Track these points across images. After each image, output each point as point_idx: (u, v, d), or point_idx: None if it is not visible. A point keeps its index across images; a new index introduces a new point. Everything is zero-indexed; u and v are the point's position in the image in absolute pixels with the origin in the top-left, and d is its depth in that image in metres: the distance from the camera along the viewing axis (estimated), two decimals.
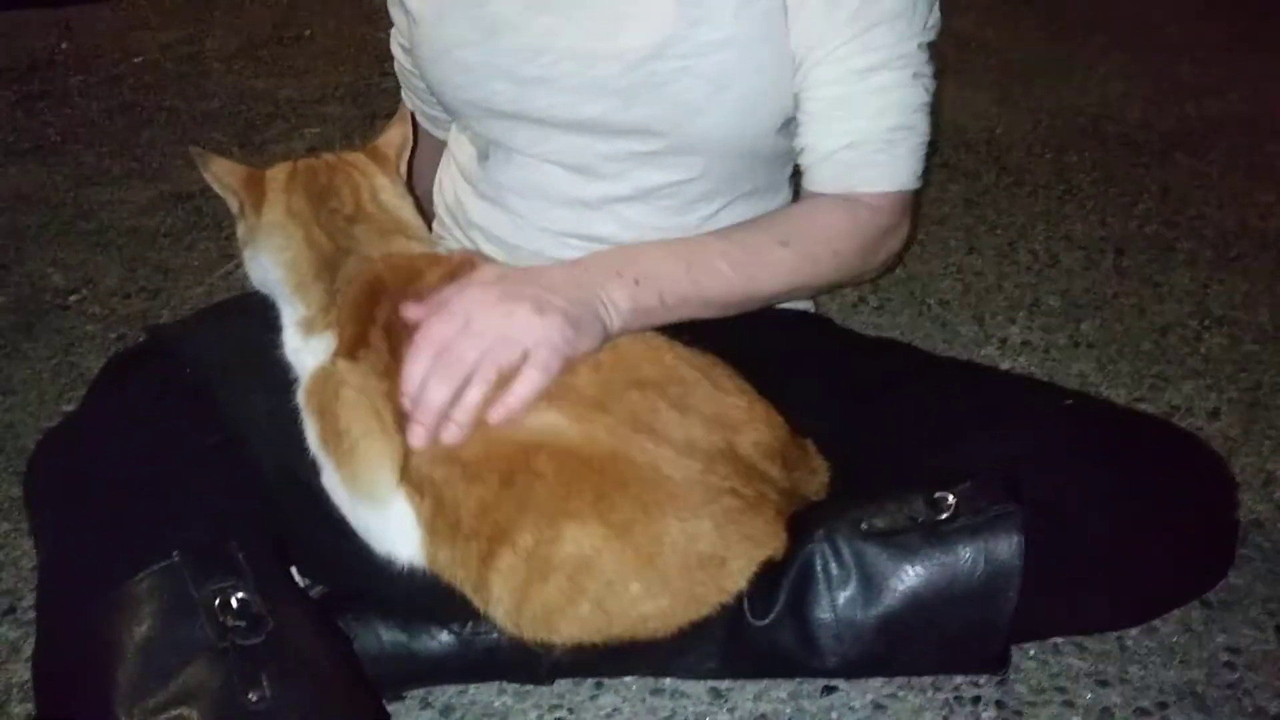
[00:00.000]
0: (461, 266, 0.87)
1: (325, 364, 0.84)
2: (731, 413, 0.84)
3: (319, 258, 0.86)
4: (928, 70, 0.95)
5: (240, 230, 0.89)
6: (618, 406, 0.81)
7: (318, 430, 0.83)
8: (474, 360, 0.80)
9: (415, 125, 1.17)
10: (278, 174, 0.88)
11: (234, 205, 0.88)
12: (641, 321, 0.88)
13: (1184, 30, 2.63)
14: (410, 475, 0.81)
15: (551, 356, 0.81)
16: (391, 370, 0.82)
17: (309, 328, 0.85)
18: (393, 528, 0.82)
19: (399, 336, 0.82)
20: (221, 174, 0.87)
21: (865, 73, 0.91)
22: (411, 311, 0.83)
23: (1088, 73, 2.40)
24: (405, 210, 0.91)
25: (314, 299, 0.85)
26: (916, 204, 1.02)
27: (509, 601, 0.81)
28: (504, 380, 0.80)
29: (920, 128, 0.95)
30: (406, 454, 0.81)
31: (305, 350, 0.85)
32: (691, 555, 0.81)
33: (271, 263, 0.86)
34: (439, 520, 0.81)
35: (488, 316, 0.81)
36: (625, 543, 0.79)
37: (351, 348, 0.82)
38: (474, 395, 0.80)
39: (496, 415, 0.80)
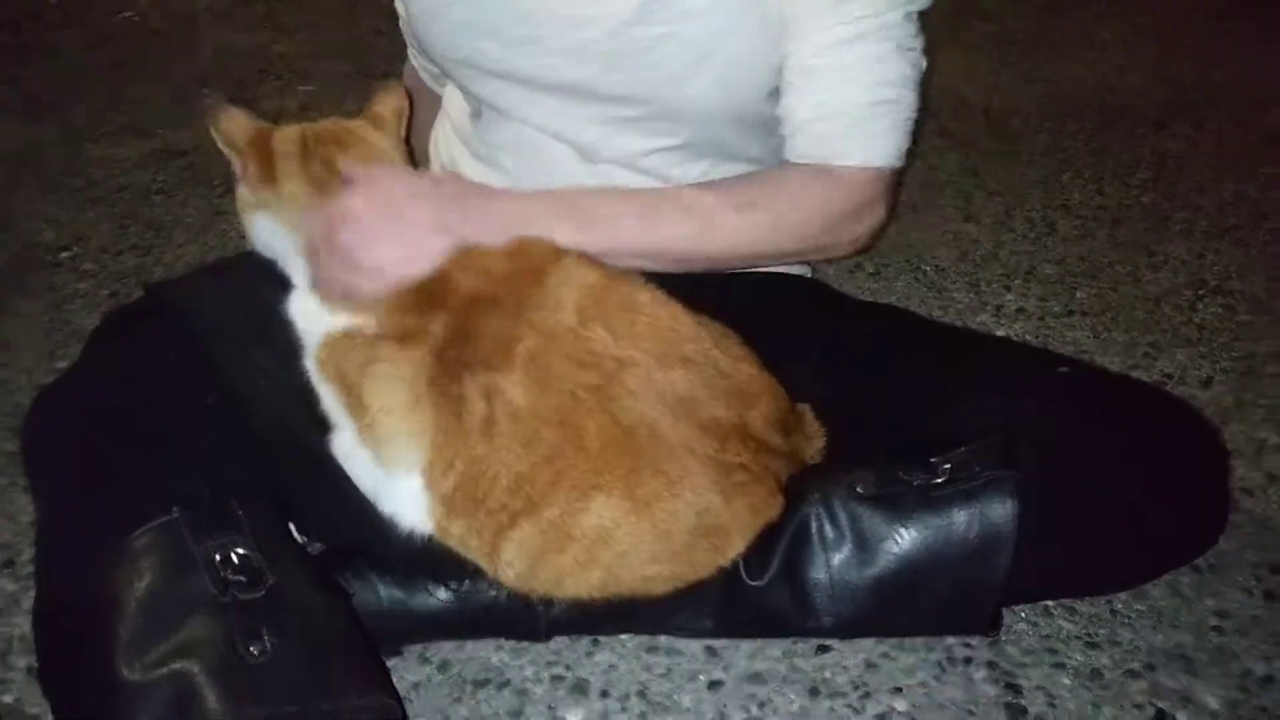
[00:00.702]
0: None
1: (343, 330, 0.83)
2: (746, 388, 0.85)
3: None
4: (915, 43, 0.92)
5: (242, 195, 0.87)
6: (665, 381, 0.81)
7: (338, 396, 0.83)
8: (352, 246, 0.83)
9: (413, 84, 1.16)
10: (288, 140, 0.86)
11: (239, 166, 0.86)
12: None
13: (1182, 2, 2.62)
14: (438, 453, 0.81)
15: (404, 272, 0.83)
16: (441, 354, 0.82)
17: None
18: (402, 497, 0.83)
19: (458, 324, 0.82)
20: (231, 131, 0.85)
21: (848, 43, 0.90)
22: (348, 171, 0.86)
23: (1086, 42, 2.39)
24: None
25: None
26: (897, 185, 0.99)
27: (520, 567, 0.82)
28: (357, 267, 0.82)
29: (905, 102, 0.92)
30: (436, 430, 0.81)
31: (318, 314, 0.85)
32: (700, 527, 0.82)
33: (288, 229, 0.85)
34: (459, 494, 0.81)
35: (388, 212, 0.84)
36: (643, 516, 0.80)
37: (401, 333, 0.82)
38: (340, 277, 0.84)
39: (334, 292, 0.84)
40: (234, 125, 0.85)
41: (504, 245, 0.86)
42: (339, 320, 0.84)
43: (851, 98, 0.91)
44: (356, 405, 0.82)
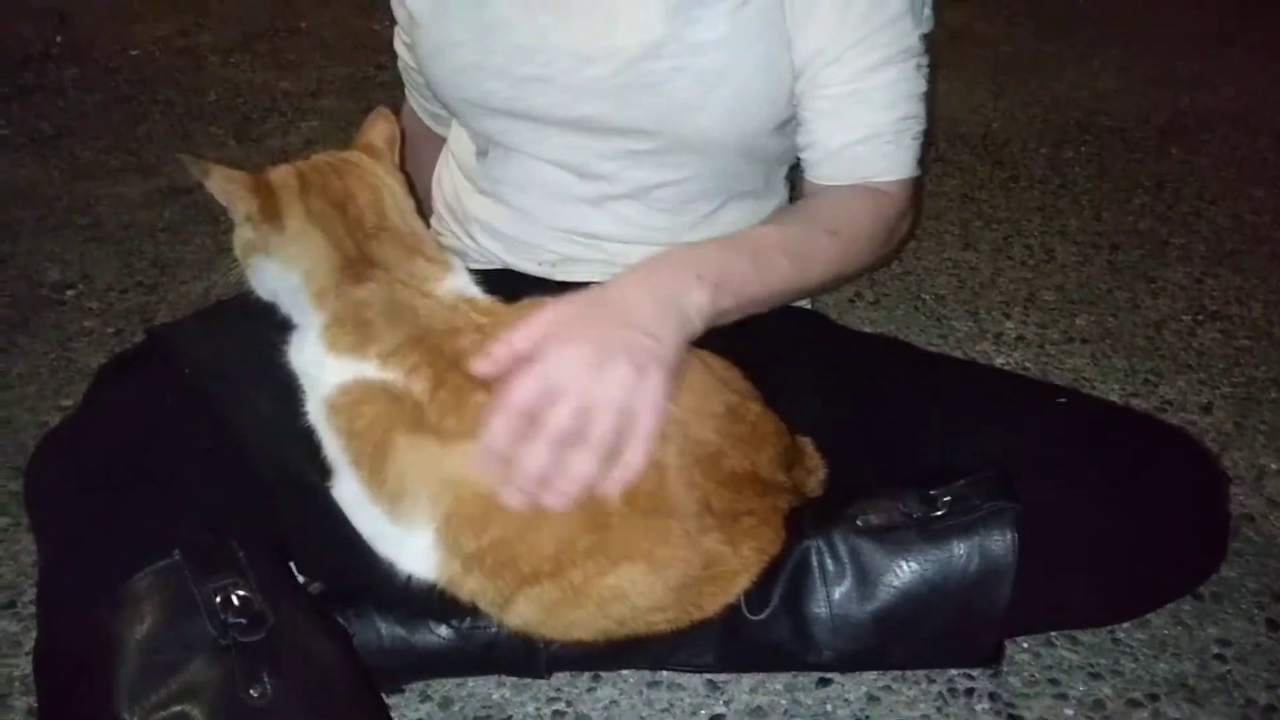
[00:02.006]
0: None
1: (358, 381, 0.81)
2: (755, 430, 0.85)
3: (343, 265, 0.83)
4: (925, 59, 0.97)
5: (243, 239, 0.85)
6: (699, 439, 0.81)
7: (346, 445, 0.81)
8: (567, 424, 0.76)
9: (412, 121, 1.17)
10: (286, 178, 0.85)
11: (240, 213, 0.84)
12: (714, 324, 0.86)
13: (1177, 24, 2.64)
14: (464, 514, 0.80)
15: (652, 419, 0.77)
16: (463, 420, 0.79)
17: (334, 342, 0.82)
18: (409, 549, 0.82)
19: (473, 389, 0.79)
20: (224, 183, 0.83)
21: (874, 69, 0.92)
22: (481, 367, 0.78)
23: (1082, 67, 2.40)
24: (415, 220, 0.89)
25: (337, 308, 0.82)
26: (920, 188, 1.03)
27: (531, 619, 0.82)
28: (609, 445, 0.77)
29: (921, 116, 0.97)
30: (466, 493, 0.79)
31: (326, 363, 0.82)
32: (708, 576, 0.83)
33: (289, 270, 0.83)
34: (490, 557, 0.80)
35: (578, 375, 0.76)
36: (659, 576, 0.81)
37: (429, 390, 0.80)
38: (584, 466, 0.76)
39: (610, 489, 0.78)
40: (229, 174, 0.83)
41: (517, 308, 0.84)
42: (364, 371, 0.81)
43: (883, 120, 0.94)
44: (376, 466, 0.80)
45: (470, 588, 0.83)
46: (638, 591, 0.81)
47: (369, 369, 0.81)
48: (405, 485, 0.80)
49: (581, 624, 0.83)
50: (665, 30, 0.90)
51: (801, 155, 0.98)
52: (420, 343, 0.81)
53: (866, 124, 0.94)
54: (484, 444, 0.77)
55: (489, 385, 0.79)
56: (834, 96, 0.93)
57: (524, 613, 0.83)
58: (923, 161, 0.99)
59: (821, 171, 0.97)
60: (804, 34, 0.91)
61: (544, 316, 0.80)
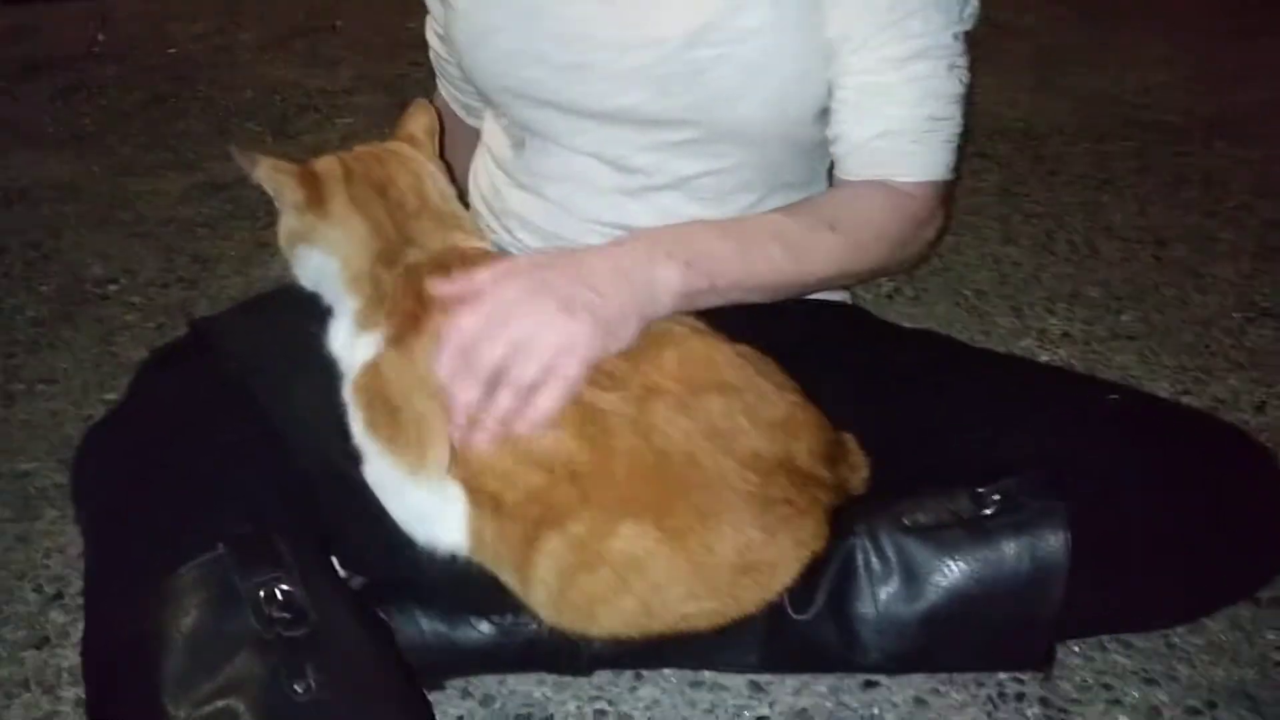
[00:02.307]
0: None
1: (377, 357, 0.83)
2: (790, 418, 0.84)
3: (381, 248, 0.84)
4: (963, 61, 0.93)
5: (288, 228, 0.86)
6: (700, 409, 0.80)
7: (365, 418, 0.82)
8: (496, 361, 0.79)
9: (444, 113, 1.17)
10: (331, 167, 0.86)
11: (286, 201, 0.85)
12: (689, 305, 0.86)
13: (1225, 15, 2.59)
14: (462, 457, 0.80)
15: (575, 364, 0.79)
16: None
17: (361, 322, 0.84)
18: (436, 508, 0.82)
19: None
20: (272, 172, 0.84)
21: (901, 62, 0.90)
22: (439, 287, 0.82)
23: (1126, 59, 2.36)
24: (455, 202, 0.90)
25: (368, 290, 0.84)
26: (950, 197, 1.01)
27: (553, 585, 0.81)
28: (530, 385, 0.79)
29: (955, 119, 0.94)
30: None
31: (355, 345, 0.84)
32: (742, 563, 0.81)
33: (329, 255, 0.84)
34: (481, 496, 0.81)
35: (515, 314, 0.80)
36: (677, 549, 0.79)
37: (405, 332, 0.82)
38: (503, 402, 0.79)
39: (521, 427, 0.79)
40: (276, 163, 0.84)
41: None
42: (376, 344, 0.83)
43: (908, 116, 0.92)
44: (392, 425, 0.81)
45: (488, 539, 0.81)
46: (657, 565, 0.79)
47: (381, 338, 0.83)
48: (420, 428, 0.80)
49: (605, 600, 0.80)
50: (710, 17, 0.89)
51: (830, 148, 0.96)
52: (418, 292, 0.82)
53: (889, 118, 0.91)
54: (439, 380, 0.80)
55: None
56: (857, 86, 0.91)
57: (544, 579, 0.81)
58: (957, 167, 0.96)
59: (845, 166, 0.95)
60: (833, 17, 0.90)
61: (506, 262, 0.84)
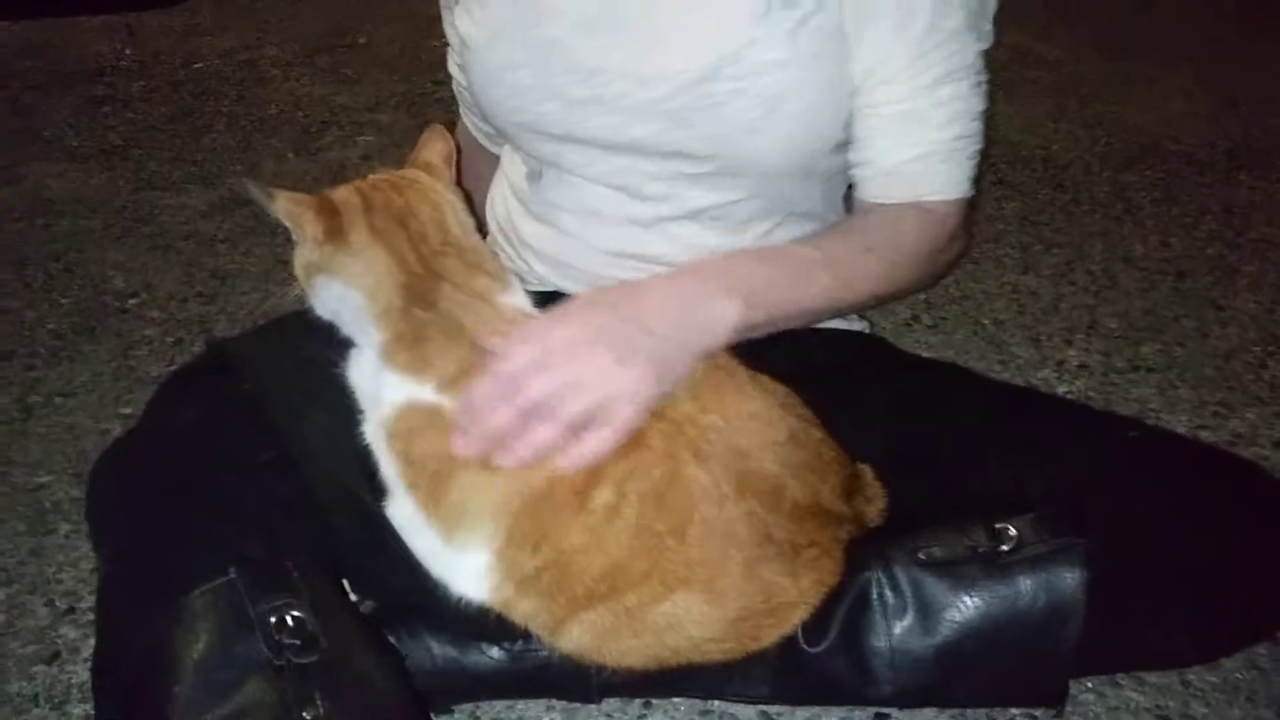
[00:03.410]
0: None
1: (416, 404, 0.81)
2: (818, 458, 0.84)
3: (408, 281, 0.83)
4: (984, 76, 0.95)
5: (304, 259, 0.84)
6: (757, 469, 0.80)
7: (403, 473, 0.81)
8: (542, 395, 0.77)
9: (467, 140, 1.17)
10: (349, 197, 0.85)
11: (305, 235, 0.84)
12: (743, 337, 0.86)
13: (1247, 46, 2.58)
14: (521, 536, 0.79)
15: (629, 413, 0.78)
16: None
17: (391, 357, 0.82)
18: (463, 571, 0.82)
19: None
20: (290, 206, 0.82)
21: (932, 87, 0.91)
22: (495, 344, 0.80)
23: (1147, 89, 2.36)
24: (475, 235, 0.89)
25: (398, 326, 0.82)
26: (973, 209, 1.02)
27: (586, 643, 0.81)
28: (574, 427, 0.78)
29: (979, 134, 0.95)
30: (519, 518, 0.79)
31: (382, 381, 0.82)
32: (767, 609, 0.81)
33: (352, 289, 0.83)
34: (546, 577, 0.79)
35: (566, 355, 0.78)
36: (716, 607, 0.79)
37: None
38: (545, 434, 0.78)
39: (564, 464, 0.78)
40: (293, 196, 0.83)
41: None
42: (424, 395, 0.81)
43: (939, 138, 0.93)
44: (435, 492, 0.80)
45: (524, 611, 0.82)
46: (694, 622, 0.79)
47: (426, 393, 0.81)
48: (464, 511, 0.80)
49: (635, 652, 0.82)
50: (727, 50, 0.89)
51: (854, 172, 0.97)
52: (477, 367, 0.80)
53: (922, 142, 0.92)
54: (463, 398, 0.79)
55: None
56: (890, 115, 0.92)
57: (577, 638, 0.82)
58: (978, 181, 0.97)
59: (873, 189, 0.95)
60: (860, 50, 0.90)
61: (566, 308, 0.82)
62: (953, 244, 0.98)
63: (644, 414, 0.79)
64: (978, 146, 0.95)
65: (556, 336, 0.80)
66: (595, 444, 0.78)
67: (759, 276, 0.87)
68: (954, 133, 0.93)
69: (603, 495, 0.78)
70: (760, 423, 0.82)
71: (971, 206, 0.99)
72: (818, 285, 0.89)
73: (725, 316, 0.84)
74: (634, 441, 0.78)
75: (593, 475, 0.78)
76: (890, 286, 0.96)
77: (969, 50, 0.92)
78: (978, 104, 0.94)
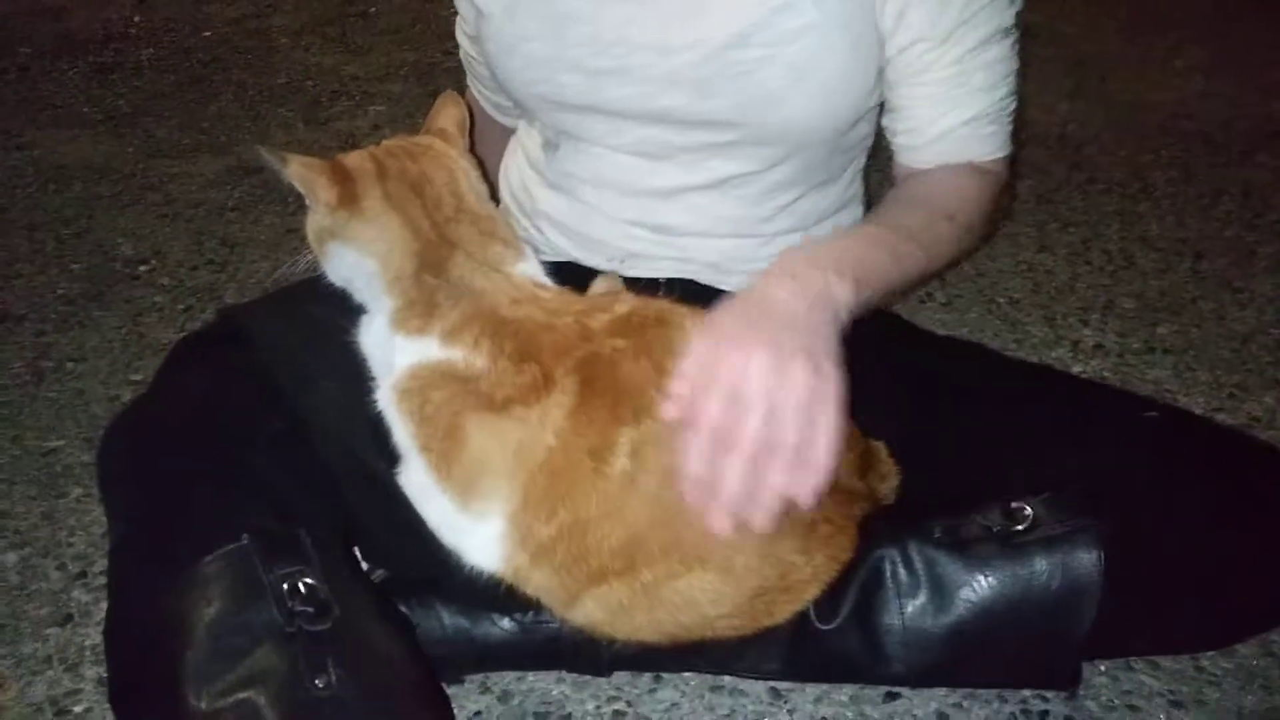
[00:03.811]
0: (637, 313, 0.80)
1: (436, 363, 0.79)
2: None
3: (421, 248, 0.82)
4: (1018, 34, 0.95)
5: (317, 224, 0.83)
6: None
7: (418, 432, 0.80)
8: (761, 435, 0.72)
9: (475, 110, 1.15)
10: (363, 163, 0.84)
11: (319, 200, 0.82)
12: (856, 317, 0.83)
13: (1266, 25, 2.54)
14: (536, 501, 0.78)
15: (840, 415, 0.73)
16: (579, 414, 0.77)
17: (403, 323, 0.81)
18: (477, 539, 0.81)
19: (596, 382, 0.77)
20: (303, 170, 0.81)
21: (976, 51, 0.91)
22: (669, 410, 0.75)
23: (1165, 68, 2.33)
24: (489, 202, 0.88)
25: (411, 292, 0.81)
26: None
27: (599, 618, 0.81)
28: (800, 448, 0.73)
29: (1017, 93, 0.96)
30: (535, 482, 0.77)
31: (393, 346, 0.82)
32: (781, 585, 0.81)
33: (366, 255, 0.82)
34: (561, 548, 0.78)
35: (763, 385, 0.72)
36: (731, 584, 0.79)
37: (531, 387, 0.78)
38: (777, 479, 0.72)
39: (807, 498, 0.73)
40: (307, 161, 0.82)
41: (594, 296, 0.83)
42: (430, 351, 0.80)
43: (986, 100, 0.93)
44: (447, 452, 0.79)
45: (537, 583, 0.81)
46: (709, 599, 0.79)
47: (433, 347, 0.80)
48: (480, 469, 0.79)
49: (648, 627, 0.81)
50: (755, 17, 0.88)
51: (896, 140, 0.97)
52: (482, 318, 0.80)
53: (972, 106, 0.93)
54: (686, 473, 0.74)
55: (542, 352, 0.78)
56: (939, 80, 0.92)
57: (590, 613, 0.81)
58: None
59: (923, 156, 0.95)
60: (905, 19, 0.89)
61: (706, 334, 0.76)
62: (1001, 199, 0.99)
63: (842, 409, 0.74)
64: (1015, 105, 0.97)
65: (738, 367, 0.73)
66: (821, 461, 0.73)
67: (863, 257, 0.84)
68: (1000, 94, 0.94)
69: (619, 462, 0.76)
70: None
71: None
72: (914, 258, 0.89)
73: (845, 299, 0.80)
74: (646, 407, 0.77)
75: (605, 439, 0.76)
76: (962, 249, 0.96)
77: (1007, 12, 0.92)
78: (1016, 63, 0.95)
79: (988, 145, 0.95)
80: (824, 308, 0.78)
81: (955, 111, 0.93)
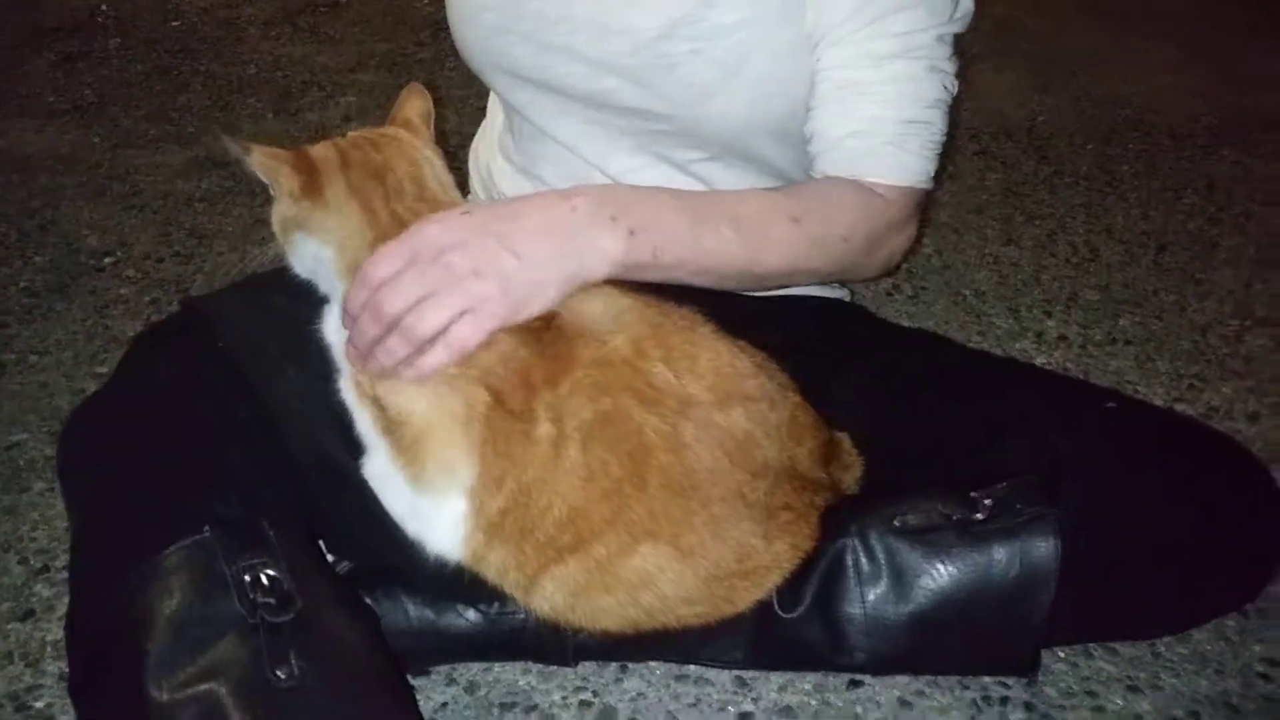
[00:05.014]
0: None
1: None
2: (793, 422, 0.83)
3: (378, 236, 0.82)
4: (948, 66, 0.92)
5: (282, 214, 0.83)
6: (726, 423, 0.79)
7: (375, 417, 0.81)
8: (398, 311, 0.77)
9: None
10: (326, 153, 0.84)
11: (282, 190, 0.82)
12: (626, 275, 0.83)
13: (1235, 21, 2.57)
14: (487, 473, 0.79)
15: (473, 331, 0.78)
16: (504, 373, 0.79)
17: None
18: (439, 522, 0.81)
19: (515, 345, 0.79)
20: (266, 160, 0.81)
21: (880, 60, 0.89)
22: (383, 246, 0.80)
23: (1133, 62, 2.35)
24: (454, 190, 0.88)
25: None
26: (925, 209, 0.98)
27: (558, 602, 0.81)
28: (423, 340, 0.78)
29: (935, 124, 0.92)
30: (484, 453, 0.78)
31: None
32: (741, 570, 0.81)
33: (325, 243, 0.82)
34: (509, 520, 0.79)
35: (427, 267, 0.78)
36: (688, 564, 0.79)
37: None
38: (393, 348, 0.78)
39: (406, 375, 0.78)
40: (270, 151, 0.82)
41: None
42: None
43: (884, 116, 0.90)
44: (397, 422, 0.80)
45: (496, 564, 0.81)
46: (666, 580, 0.79)
47: None
48: (434, 441, 0.79)
49: (609, 612, 0.82)
50: (682, 11, 0.88)
51: (806, 146, 0.94)
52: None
53: (865, 117, 0.90)
54: (344, 305, 0.81)
55: (506, 333, 0.79)
56: (834, 82, 0.90)
57: (551, 595, 0.81)
58: (938, 175, 0.94)
59: (820, 163, 0.93)
60: (813, 10, 0.88)
61: (436, 214, 0.81)
62: (893, 235, 0.95)
63: (484, 335, 0.78)
64: (934, 137, 0.92)
65: (426, 239, 0.79)
66: (432, 362, 0.78)
67: (653, 211, 0.84)
68: (903, 114, 0.89)
69: (542, 426, 0.78)
70: (724, 377, 0.81)
71: (927, 196, 0.96)
72: (721, 238, 0.85)
73: (605, 249, 0.81)
74: (559, 372, 0.78)
75: (525, 402, 0.78)
76: (816, 263, 0.92)
77: (925, 29, 0.89)
78: (934, 90, 0.90)
79: (881, 165, 0.90)
80: (561, 243, 0.80)
81: (846, 121, 0.90)
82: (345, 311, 0.81)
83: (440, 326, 0.78)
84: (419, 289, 0.78)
